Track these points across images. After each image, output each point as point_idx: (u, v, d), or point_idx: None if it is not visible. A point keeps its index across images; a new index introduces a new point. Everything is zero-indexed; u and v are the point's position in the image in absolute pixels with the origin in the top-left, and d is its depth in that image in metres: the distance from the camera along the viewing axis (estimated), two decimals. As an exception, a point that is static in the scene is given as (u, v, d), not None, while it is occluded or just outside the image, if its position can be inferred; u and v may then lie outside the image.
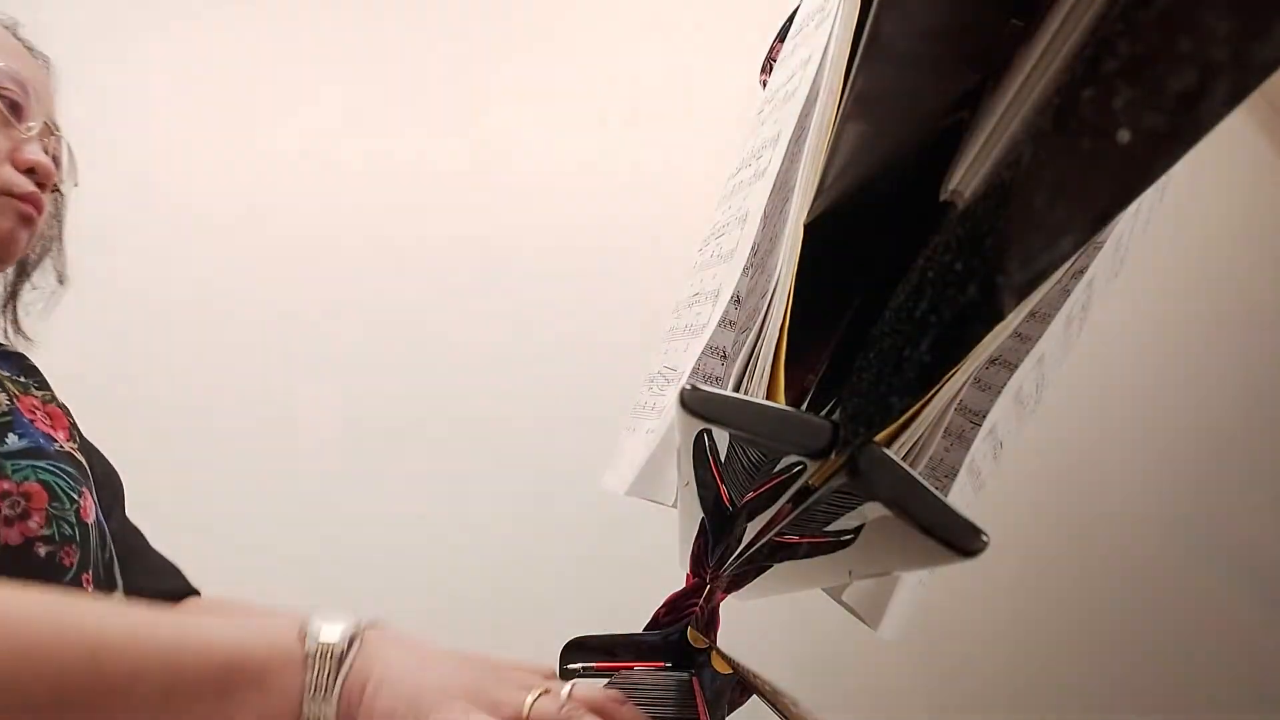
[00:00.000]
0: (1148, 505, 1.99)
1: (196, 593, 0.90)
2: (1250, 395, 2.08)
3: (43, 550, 0.67)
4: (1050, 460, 1.91)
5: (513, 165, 2.01)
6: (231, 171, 2.01)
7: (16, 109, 0.81)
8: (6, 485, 0.67)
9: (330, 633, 0.50)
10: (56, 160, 0.86)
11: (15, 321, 0.91)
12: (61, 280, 0.94)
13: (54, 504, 0.69)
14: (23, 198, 0.80)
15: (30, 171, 0.80)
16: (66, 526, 0.70)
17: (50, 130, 0.86)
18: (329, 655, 0.49)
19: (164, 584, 0.87)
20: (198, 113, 2.03)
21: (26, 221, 0.81)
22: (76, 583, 0.69)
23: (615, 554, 1.78)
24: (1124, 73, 0.25)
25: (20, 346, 0.91)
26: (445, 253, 1.99)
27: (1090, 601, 1.96)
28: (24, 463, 0.70)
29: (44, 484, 0.70)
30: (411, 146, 2.03)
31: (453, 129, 2.03)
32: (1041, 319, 0.43)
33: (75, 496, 0.72)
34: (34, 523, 0.67)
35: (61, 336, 0.97)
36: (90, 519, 0.74)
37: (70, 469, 0.75)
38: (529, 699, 0.49)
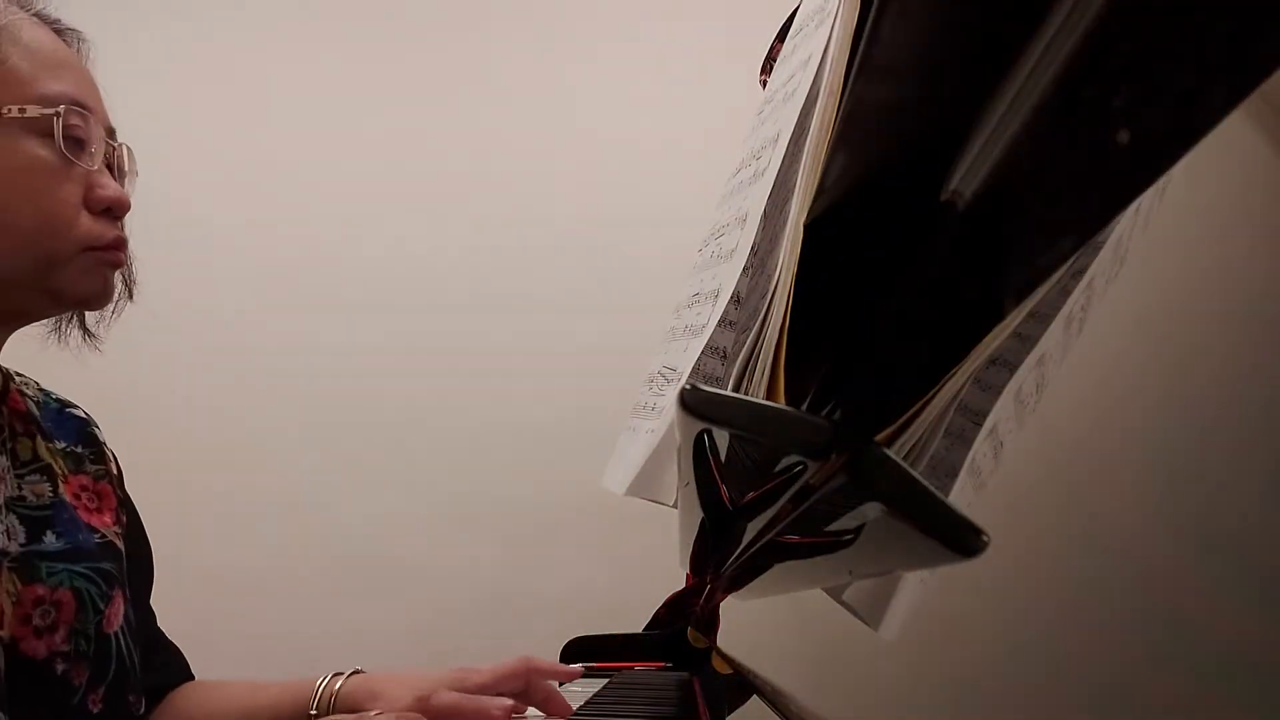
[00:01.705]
0: (1150, 504, 1.99)
1: (191, 677, 0.92)
2: (1251, 395, 2.08)
3: (60, 667, 0.67)
4: (1051, 459, 1.91)
5: (519, 169, 2.01)
6: (239, 176, 2.02)
7: (79, 143, 0.71)
8: (41, 591, 0.66)
9: None
10: (122, 171, 0.77)
11: (84, 327, 0.83)
12: (131, 293, 0.82)
13: (80, 616, 0.69)
14: (108, 247, 0.73)
15: (108, 210, 0.73)
16: (83, 642, 0.69)
17: (111, 144, 0.76)
18: None
19: (165, 678, 0.88)
20: (204, 116, 2.03)
21: (116, 267, 0.75)
22: (83, 703, 0.69)
23: (615, 554, 1.78)
24: (1124, 72, 0.25)
25: (85, 356, 0.84)
26: (446, 257, 1.99)
27: (1092, 601, 1.96)
28: (60, 566, 0.69)
29: (76, 592, 0.69)
30: (420, 151, 2.03)
31: (460, 132, 2.03)
32: (1041, 319, 0.43)
33: (103, 605, 0.71)
34: (59, 636, 0.67)
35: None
36: (115, 626, 0.72)
37: (107, 566, 0.73)
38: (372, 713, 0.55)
